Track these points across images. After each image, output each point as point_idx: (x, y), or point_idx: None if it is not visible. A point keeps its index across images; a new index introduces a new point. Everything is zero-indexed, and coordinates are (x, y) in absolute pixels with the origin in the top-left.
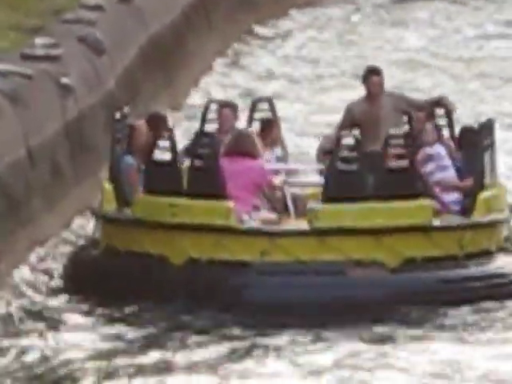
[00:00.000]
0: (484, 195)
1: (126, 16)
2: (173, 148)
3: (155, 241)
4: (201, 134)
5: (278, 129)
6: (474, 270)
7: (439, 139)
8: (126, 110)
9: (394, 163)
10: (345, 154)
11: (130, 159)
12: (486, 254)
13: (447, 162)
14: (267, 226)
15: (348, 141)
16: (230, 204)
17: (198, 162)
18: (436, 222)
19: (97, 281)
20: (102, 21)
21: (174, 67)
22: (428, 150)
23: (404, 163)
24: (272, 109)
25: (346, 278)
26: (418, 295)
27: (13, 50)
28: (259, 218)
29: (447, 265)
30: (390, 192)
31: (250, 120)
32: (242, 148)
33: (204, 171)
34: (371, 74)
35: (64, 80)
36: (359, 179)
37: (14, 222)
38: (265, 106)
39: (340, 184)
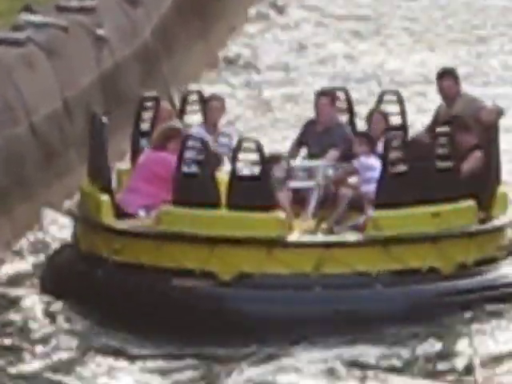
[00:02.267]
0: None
1: None
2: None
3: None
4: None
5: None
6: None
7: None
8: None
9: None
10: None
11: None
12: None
13: (373, 174)
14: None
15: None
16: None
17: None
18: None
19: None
20: None
21: (210, 17)
22: (354, 163)
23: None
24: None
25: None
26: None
27: (48, 3)
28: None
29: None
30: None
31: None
32: (156, 141)
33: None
34: (440, 78)
35: (99, 32)
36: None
37: (50, 174)
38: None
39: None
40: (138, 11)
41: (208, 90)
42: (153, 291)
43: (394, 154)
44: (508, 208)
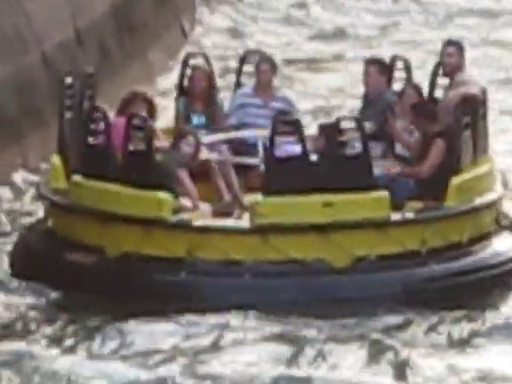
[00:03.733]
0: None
1: None
2: None
3: None
4: None
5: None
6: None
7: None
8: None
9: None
10: None
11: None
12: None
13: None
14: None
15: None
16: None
17: None
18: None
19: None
20: None
21: None
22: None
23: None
24: None
25: None
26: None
27: None
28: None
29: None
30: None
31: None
32: (118, 108)
33: None
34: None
35: None
36: None
37: None
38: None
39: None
40: None
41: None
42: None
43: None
44: (462, 199)
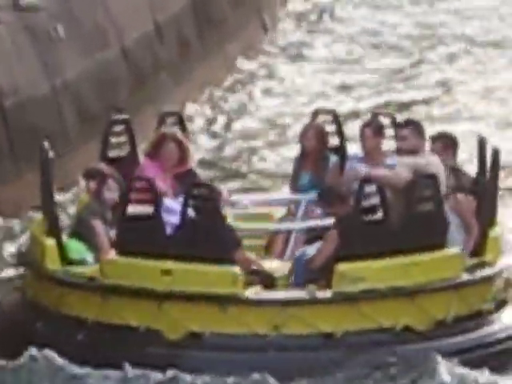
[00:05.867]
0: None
1: None
2: None
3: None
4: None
5: None
6: None
7: None
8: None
9: None
10: None
11: None
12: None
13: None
14: None
15: None
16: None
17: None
18: None
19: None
20: None
21: None
22: None
23: None
24: None
25: None
26: None
27: None
28: None
29: None
30: None
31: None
32: None
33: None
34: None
35: None
36: None
37: (141, 97)
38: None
39: None
40: None
41: None
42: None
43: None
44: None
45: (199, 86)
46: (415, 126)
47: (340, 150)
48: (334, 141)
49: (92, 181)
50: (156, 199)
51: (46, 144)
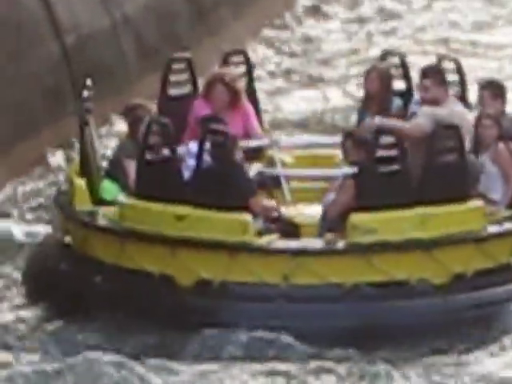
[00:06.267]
0: None
1: None
2: None
3: None
4: None
5: None
6: None
7: None
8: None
9: None
10: None
11: None
12: None
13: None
14: None
15: None
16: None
17: None
18: None
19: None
20: None
21: None
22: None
23: None
24: None
25: None
26: None
27: None
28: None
29: None
30: None
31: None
32: None
33: None
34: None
35: None
36: None
37: (202, 31)
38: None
39: None
40: None
41: None
42: None
43: None
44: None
45: (261, 19)
46: (437, 76)
47: (406, 95)
48: (401, 84)
49: (128, 119)
50: (172, 143)
51: (89, 81)
